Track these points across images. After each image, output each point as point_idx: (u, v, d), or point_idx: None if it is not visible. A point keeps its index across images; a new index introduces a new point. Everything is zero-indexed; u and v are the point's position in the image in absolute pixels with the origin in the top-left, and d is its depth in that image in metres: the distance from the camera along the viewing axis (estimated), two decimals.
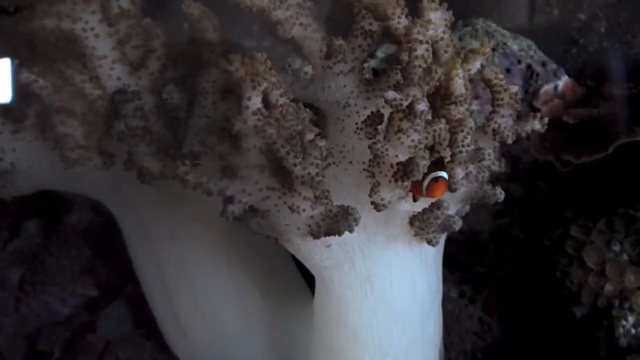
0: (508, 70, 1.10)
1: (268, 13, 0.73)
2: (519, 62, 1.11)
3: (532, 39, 1.13)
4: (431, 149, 0.73)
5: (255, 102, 0.66)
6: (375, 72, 0.94)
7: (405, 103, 0.68)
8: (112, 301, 1.10)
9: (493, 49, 1.10)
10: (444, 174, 0.69)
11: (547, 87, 1.10)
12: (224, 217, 0.68)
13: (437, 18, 0.73)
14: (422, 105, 0.66)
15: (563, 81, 1.10)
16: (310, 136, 0.67)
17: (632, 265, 0.91)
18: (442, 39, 0.74)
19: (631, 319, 0.90)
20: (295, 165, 0.66)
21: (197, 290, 0.90)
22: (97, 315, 1.08)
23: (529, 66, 1.11)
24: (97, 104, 0.77)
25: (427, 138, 0.68)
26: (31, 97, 0.77)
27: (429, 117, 0.69)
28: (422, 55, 0.69)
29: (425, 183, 0.69)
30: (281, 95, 0.69)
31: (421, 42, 0.70)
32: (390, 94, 0.69)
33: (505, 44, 1.11)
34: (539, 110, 1.08)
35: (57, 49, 0.76)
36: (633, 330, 0.90)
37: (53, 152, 0.78)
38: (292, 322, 0.91)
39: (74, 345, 1.06)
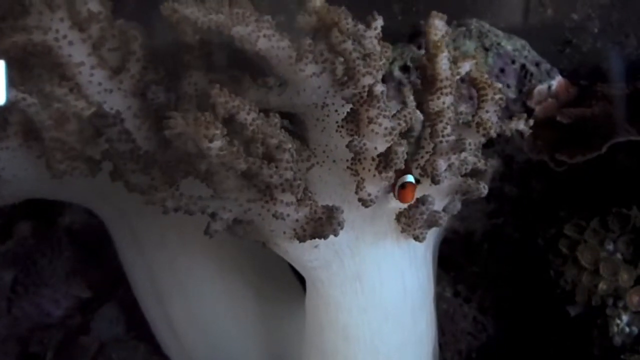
0: (502, 70, 1.10)
1: (228, 30, 0.72)
2: (513, 62, 1.11)
3: (526, 39, 1.13)
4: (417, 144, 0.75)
5: (215, 145, 0.65)
6: None
7: (365, 94, 0.69)
8: (105, 302, 1.09)
9: (487, 49, 1.11)
10: (411, 178, 0.70)
11: (541, 87, 1.10)
12: (208, 235, 0.68)
13: (437, 22, 0.76)
14: (380, 87, 0.68)
15: (557, 81, 1.10)
16: (274, 142, 0.66)
17: (625, 264, 0.91)
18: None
19: (625, 318, 0.90)
20: (271, 176, 0.66)
21: (188, 293, 0.89)
22: (91, 317, 1.08)
23: (522, 66, 1.11)
24: (81, 112, 0.75)
25: (399, 124, 0.70)
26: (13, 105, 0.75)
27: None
28: (353, 49, 0.71)
29: (395, 190, 0.70)
30: (248, 113, 0.68)
31: (344, 41, 0.71)
32: (347, 92, 0.71)
33: (499, 44, 1.11)
34: (533, 110, 1.08)
35: (35, 62, 0.74)
36: (627, 329, 0.90)
37: (38, 160, 0.76)
38: (285, 322, 0.91)
39: (67, 347, 1.05)
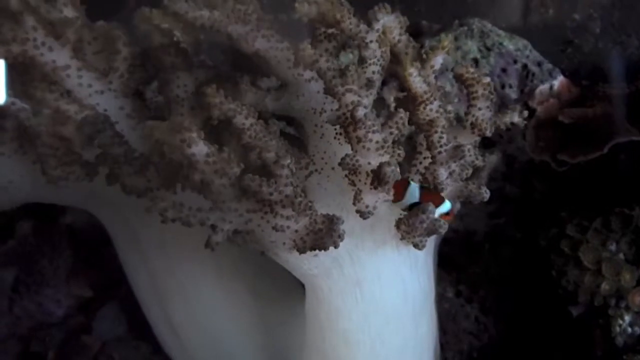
0: (504, 70, 1.10)
1: (224, 28, 0.69)
2: (515, 62, 1.11)
3: (528, 39, 1.13)
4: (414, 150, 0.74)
5: (200, 150, 0.63)
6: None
7: (349, 114, 0.67)
8: (107, 302, 1.09)
9: (489, 49, 1.11)
10: (448, 207, 0.70)
11: (543, 87, 1.10)
12: (209, 248, 0.67)
13: (390, 21, 0.73)
14: (361, 110, 0.66)
15: (558, 81, 1.11)
16: (272, 156, 0.65)
17: (628, 264, 0.91)
18: (399, 41, 0.74)
19: (627, 318, 0.90)
20: (270, 193, 0.64)
21: (188, 294, 0.89)
22: (92, 316, 1.08)
23: (524, 66, 1.11)
24: (75, 116, 0.74)
25: (391, 132, 0.68)
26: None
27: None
28: (328, 67, 0.69)
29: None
30: (246, 118, 0.67)
31: (317, 61, 0.69)
32: (330, 116, 0.69)
33: (501, 44, 1.11)
34: (534, 110, 1.08)
35: (22, 71, 0.74)
36: (629, 329, 0.90)
37: (34, 166, 0.75)
38: (285, 324, 0.91)
39: (69, 346, 1.05)
